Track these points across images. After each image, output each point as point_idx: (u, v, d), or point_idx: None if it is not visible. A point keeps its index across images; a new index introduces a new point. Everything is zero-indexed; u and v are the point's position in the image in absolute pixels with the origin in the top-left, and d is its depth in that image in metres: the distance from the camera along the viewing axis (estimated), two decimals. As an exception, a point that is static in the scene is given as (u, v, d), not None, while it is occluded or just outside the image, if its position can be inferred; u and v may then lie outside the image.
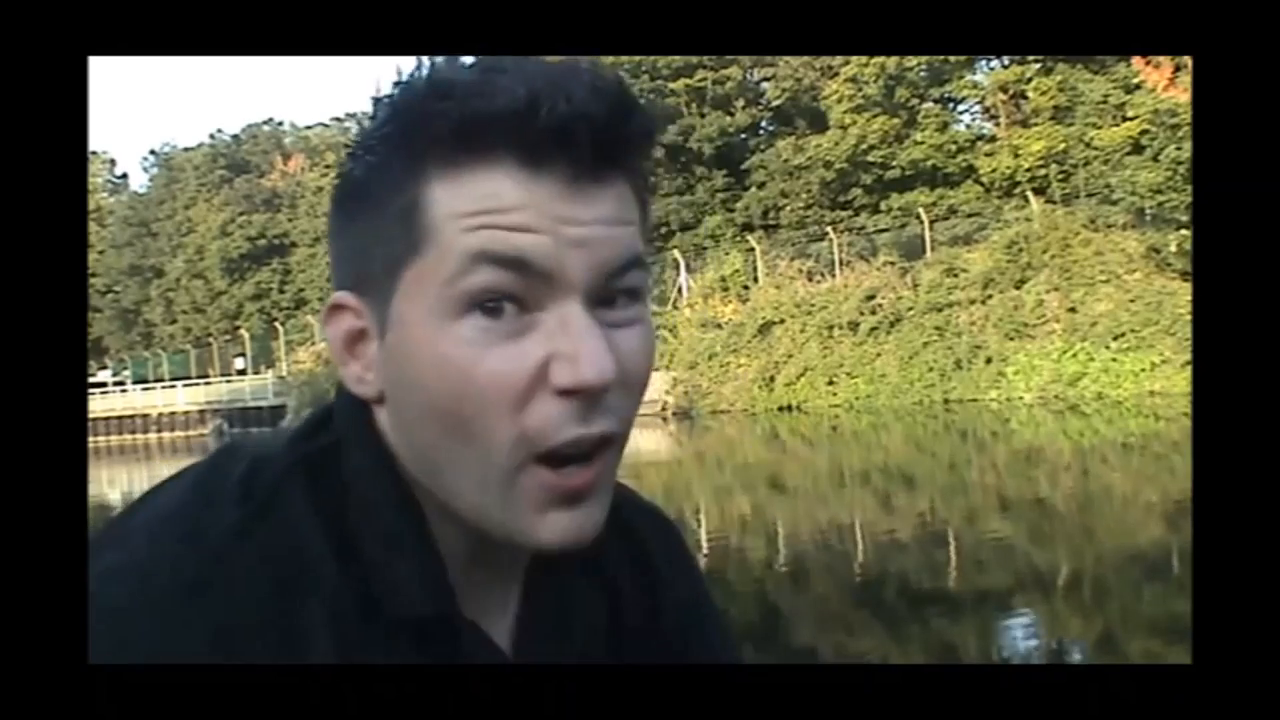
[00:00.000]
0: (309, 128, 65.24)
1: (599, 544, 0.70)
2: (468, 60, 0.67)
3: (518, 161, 0.63)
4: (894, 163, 32.37)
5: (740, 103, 36.48)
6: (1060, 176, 29.43)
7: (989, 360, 22.64)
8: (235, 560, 0.63)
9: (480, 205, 0.63)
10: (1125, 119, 26.82)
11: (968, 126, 34.11)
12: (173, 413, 43.23)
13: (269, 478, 0.68)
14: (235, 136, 60.12)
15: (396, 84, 0.67)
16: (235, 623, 0.62)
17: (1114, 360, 21.01)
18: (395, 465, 0.69)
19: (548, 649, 0.75)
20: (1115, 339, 21.14)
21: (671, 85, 35.39)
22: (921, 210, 28.90)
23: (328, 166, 53.34)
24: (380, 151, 0.67)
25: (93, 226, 56.93)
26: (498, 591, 0.74)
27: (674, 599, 0.84)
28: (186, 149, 59.55)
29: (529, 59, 0.66)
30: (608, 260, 0.65)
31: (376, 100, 0.69)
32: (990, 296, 23.41)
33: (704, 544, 8.95)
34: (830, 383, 24.81)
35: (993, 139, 32.46)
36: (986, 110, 33.82)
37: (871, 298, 25.25)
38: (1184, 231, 20.75)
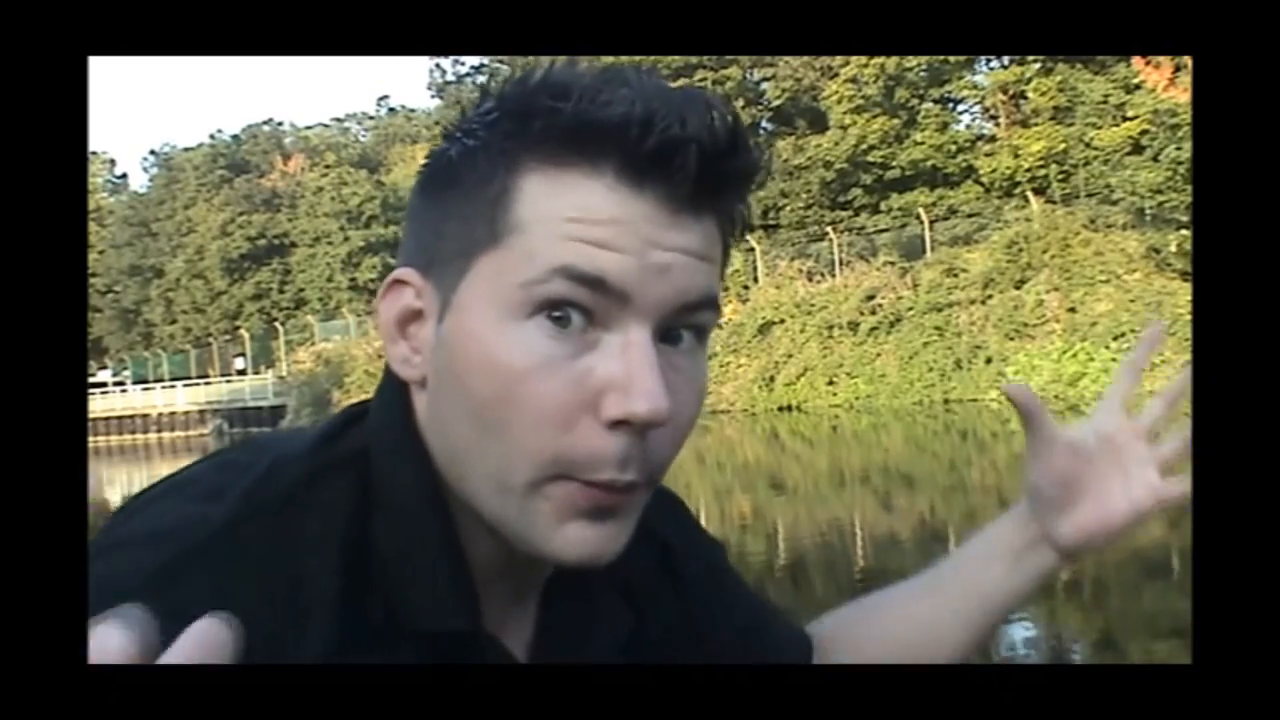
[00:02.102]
0: (309, 128, 65.30)
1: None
2: (582, 62, 0.66)
3: (617, 175, 0.61)
4: (894, 163, 32.37)
5: (740, 103, 36.43)
6: (1060, 176, 29.42)
7: (989, 360, 22.64)
8: (224, 559, 0.61)
9: (572, 213, 0.61)
10: (1125, 119, 26.82)
11: (968, 127, 34.12)
12: (173, 413, 43.23)
13: (283, 482, 0.65)
14: (235, 136, 60.13)
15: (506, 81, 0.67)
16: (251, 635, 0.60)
17: (1114, 360, 20.98)
18: (433, 474, 0.66)
19: (565, 659, 0.73)
20: (1115, 339, 21.13)
21: (671, 85, 35.32)
22: (921, 210, 28.90)
23: (328, 166, 53.42)
24: (480, 135, 0.65)
25: (93, 226, 56.93)
26: (518, 603, 0.72)
27: (691, 572, 0.83)
28: (186, 149, 59.54)
29: (649, 74, 0.65)
30: (685, 292, 0.63)
31: (484, 90, 0.67)
32: (990, 296, 23.41)
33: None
34: (830, 383, 24.81)
35: (993, 139, 32.46)
36: (986, 110, 33.83)
37: (871, 298, 25.25)
38: (1184, 231, 20.75)
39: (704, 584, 0.84)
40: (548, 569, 0.71)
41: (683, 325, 0.64)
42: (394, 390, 0.69)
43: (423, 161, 0.70)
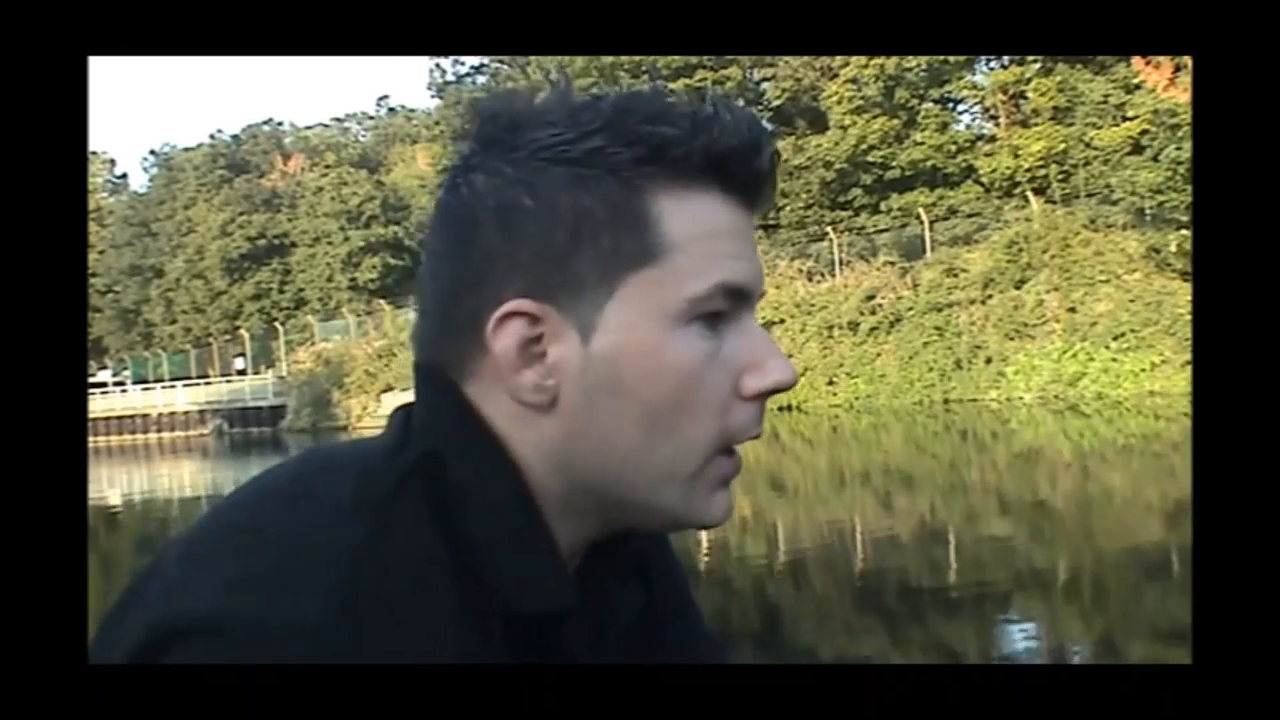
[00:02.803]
0: (309, 128, 65.38)
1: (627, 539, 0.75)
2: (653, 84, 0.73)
3: (729, 192, 0.70)
4: (894, 163, 32.38)
5: (740, 103, 36.39)
6: (1060, 176, 29.43)
7: (989, 360, 22.65)
8: (368, 578, 0.62)
9: (712, 230, 0.69)
10: (1125, 119, 26.83)
11: (968, 127, 34.13)
12: (173, 413, 43.27)
13: (381, 491, 0.66)
14: (235, 136, 60.17)
15: (537, 102, 0.70)
16: (379, 640, 0.61)
17: (1114, 360, 21.02)
18: (517, 466, 0.70)
19: (593, 639, 0.76)
20: (1115, 339, 21.15)
21: (671, 85, 35.30)
22: (921, 210, 28.91)
23: (328, 167, 53.42)
24: (580, 163, 0.68)
25: (93, 226, 56.98)
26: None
27: (662, 591, 0.85)
28: (186, 149, 59.59)
29: (713, 95, 0.72)
30: (762, 282, 0.73)
31: (538, 109, 0.69)
32: (990, 296, 23.42)
33: (704, 544, 8.95)
34: (830, 383, 24.83)
35: (993, 139, 32.47)
36: (986, 110, 33.83)
37: (871, 298, 25.26)
38: (1184, 231, 20.75)
39: (670, 605, 0.87)
40: (613, 550, 0.76)
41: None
42: (456, 398, 0.71)
43: (475, 191, 0.70)
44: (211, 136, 60.20)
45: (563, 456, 0.70)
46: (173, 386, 46.12)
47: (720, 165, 0.69)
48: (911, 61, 30.98)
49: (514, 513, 0.69)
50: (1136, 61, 23.97)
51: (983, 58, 32.16)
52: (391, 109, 68.16)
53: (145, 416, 43.82)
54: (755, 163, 0.70)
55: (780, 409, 24.52)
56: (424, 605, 0.64)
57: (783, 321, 26.03)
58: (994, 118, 33.25)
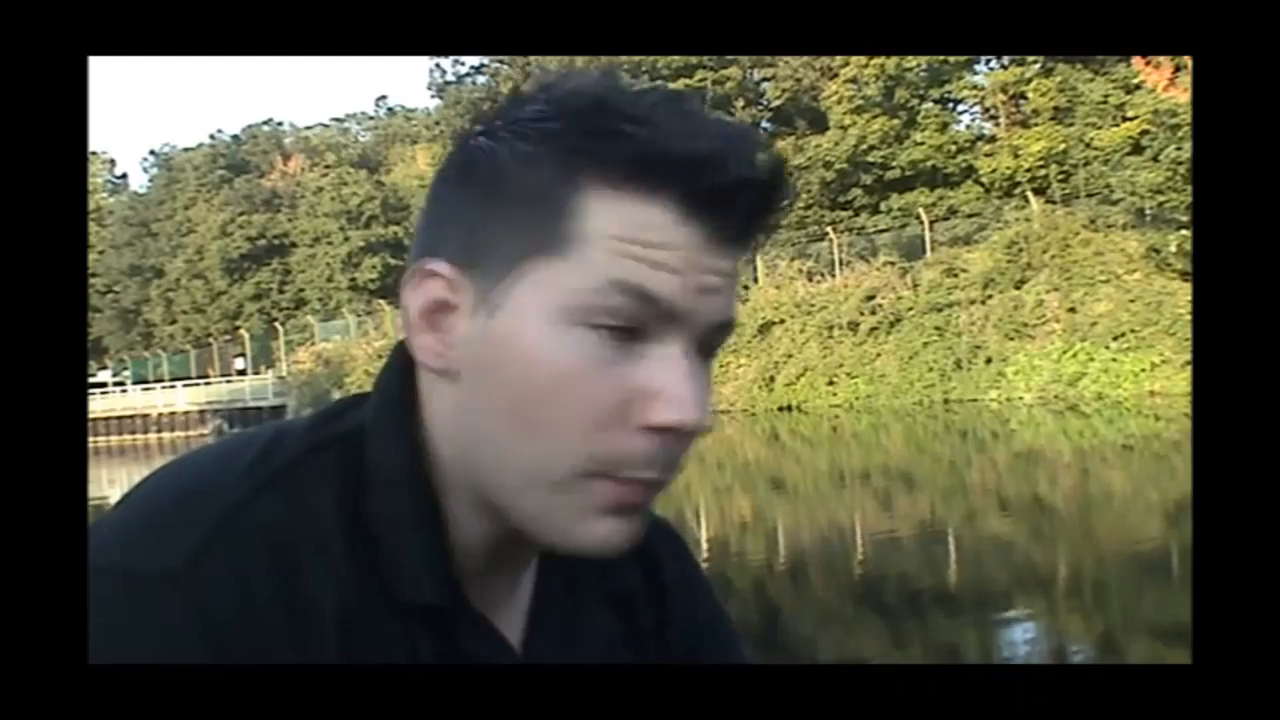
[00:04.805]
0: (309, 128, 65.39)
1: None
2: (628, 79, 0.69)
3: (678, 204, 0.65)
4: (894, 163, 32.38)
5: (740, 103, 36.46)
6: (1060, 176, 29.42)
7: (989, 360, 22.63)
8: (234, 536, 0.64)
9: (633, 233, 0.65)
10: (1125, 119, 26.81)
11: (968, 127, 34.14)
12: (173, 413, 43.23)
13: (286, 457, 0.68)
14: (235, 137, 60.20)
15: (547, 81, 0.68)
16: (235, 589, 0.62)
17: (1114, 360, 21.00)
18: (422, 456, 0.69)
19: (558, 647, 0.76)
20: (1115, 339, 21.13)
21: (671, 85, 35.22)
22: (921, 210, 28.88)
23: (328, 167, 53.42)
24: (534, 142, 0.66)
25: (93, 226, 56.96)
26: (511, 586, 0.75)
27: (682, 614, 0.85)
28: (186, 149, 59.62)
29: (693, 101, 0.68)
30: (721, 313, 0.68)
31: (538, 89, 0.69)
32: (990, 296, 23.40)
33: (704, 544, 8.95)
34: (830, 383, 24.80)
35: (993, 139, 32.47)
36: (986, 111, 33.83)
37: (871, 298, 25.24)
38: (1184, 231, 20.73)
39: (692, 633, 0.86)
40: (534, 552, 0.74)
41: (710, 342, 0.69)
42: (396, 374, 0.71)
43: (454, 151, 0.71)
44: (211, 136, 60.29)
45: (457, 434, 0.69)
46: (173, 387, 46.09)
47: (662, 173, 0.64)
48: (911, 61, 30.99)
49: (406, 495, 0.69)
50: (1136, 61, 23.95)
51: (983, 58, 32.16)
52: (391, 109, 68.15)
53: (145, 417, 43.78)
54: (712, 182, 0.64)
55: (780, 409, 24.52)
56: (298, 572, 0.64)
57: (783, 321, 26.02)
58: (994, 118, 33.25)
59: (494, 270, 0.66)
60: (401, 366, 0.71)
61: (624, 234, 0.65)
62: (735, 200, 0.66)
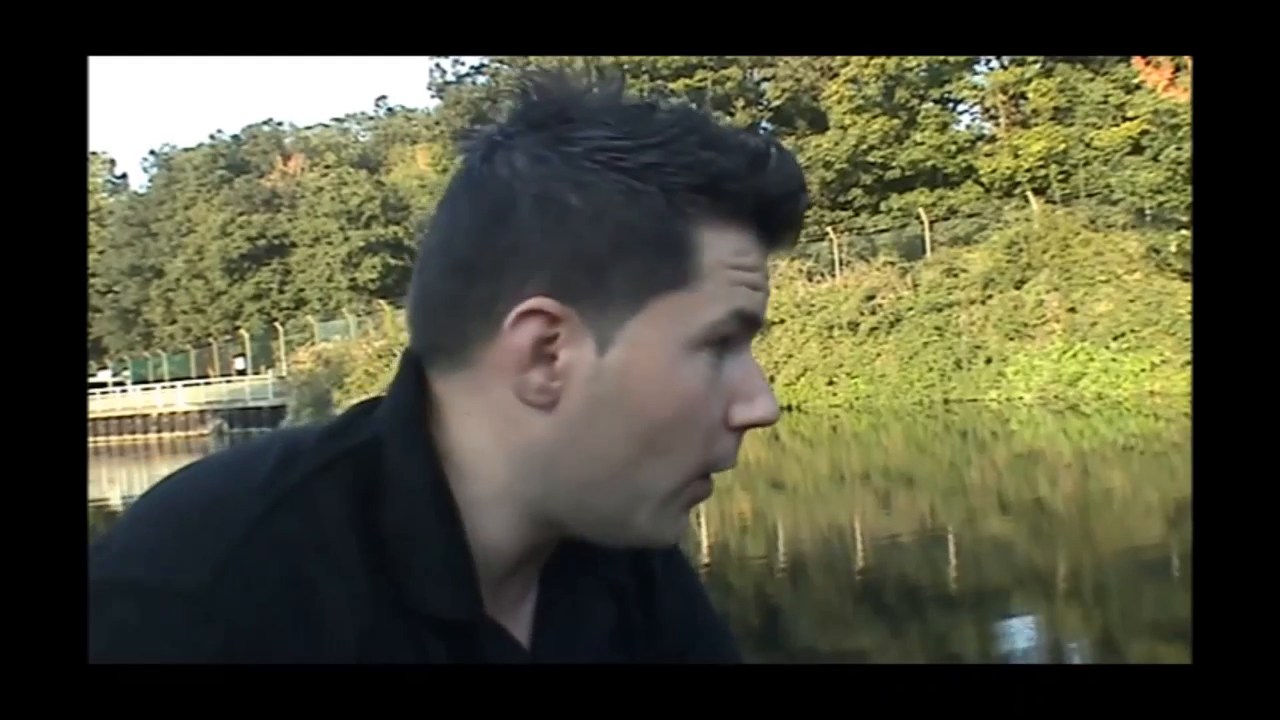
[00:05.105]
0: (309, 128, 65.42)
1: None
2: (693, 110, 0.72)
3: (762, 226, 0.71)
4: (894, 163, 32.39)
5: (740, 103, 36.46)
6: (1060, 176, 29.43)
7: (989, 360, 22.63)
8: (254, 552, 0.64)
9: (738, 260, 0.70)
10: (1125, 119, 26.83)
11: (968, 127, 34.15)
12: (173, 413, 43.23)
13: (301, 472, 0.68)
14: (235, 136, 60.22)
15: (573, 90, 0.69)
16: (251, 614, 0.62)
17: (1114, 360, 21.01)
18: (440, 468, 0.70)
19: (561, 648, 0.76)
20: (1115, 339, 21.13)
21: (671, 85, 35.40)
22: (921, 210, 28.89)
23: (328, 167, 53.43)
24: (633, 175, 0.67)
25: (93, 226, 56.95)
26: (522, 591, 0.75)
27: (669, 603, 0.85)
28: (186, 149, 59.63)
29: (757, 131, 0.75)
30: (765, 313, 0.74)
31: (565, 98, 0.69)
32: (990, 296, 23.41)
33: (704, 544, 8.95)
34: (830, 383, 24.81)
35: (993, 139, 32.48)
36: (986, 111, 33.84)
37: (871, 298, 25.24)
38: (1184, 231, 20.73)
39: (680, 623, 0.86)
40: (549, 555, 0.76)
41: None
42: (410, 389, 0.71)
43: (517, 182, 0.68)
44: (211, 137, 60.31)
45: (549, 460, 0.69)
46: (173, 387, 46.10)
47: (766, 207, 0.70)
48: (911, 61, 30.99)
49: (428, 508, 0.68)
50: (1136, 61, 23.96)
51: (983, 58, 32.16)
52: (391, 109, 68.23)
53: (145, 417, 43.78)
54: (794, 209, 0.72)
55: (780, 409, 24.46)
56: (318, 587, 0.64)
57: (783, 321, 26.00)
58: (994, 118, 33.26)
59: (611, 307, 0.67)
60: (413, 379, 0.71)
61: (733, 262, 0.69)
62: (794, 216, 0.72)
